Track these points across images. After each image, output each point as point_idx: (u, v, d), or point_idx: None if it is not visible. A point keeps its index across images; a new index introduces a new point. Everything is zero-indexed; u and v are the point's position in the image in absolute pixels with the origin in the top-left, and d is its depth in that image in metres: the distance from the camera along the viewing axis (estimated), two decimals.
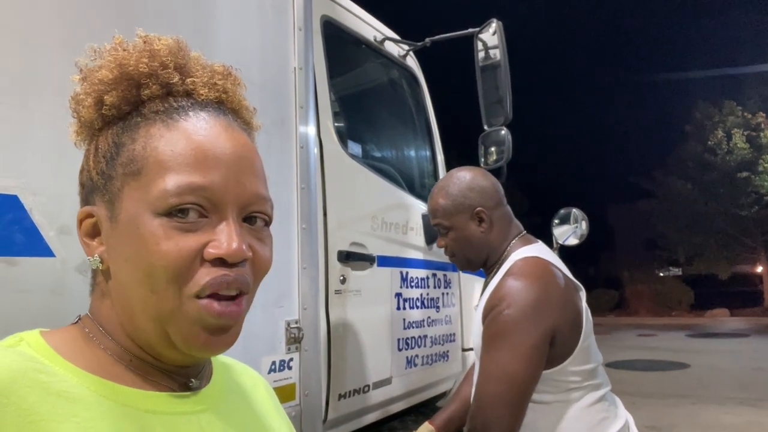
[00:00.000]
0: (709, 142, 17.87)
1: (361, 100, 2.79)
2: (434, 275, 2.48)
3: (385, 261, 2.13)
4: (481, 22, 2.36)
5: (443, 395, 2.70)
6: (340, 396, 1.84)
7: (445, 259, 1.61)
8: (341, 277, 1.89)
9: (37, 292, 0.94)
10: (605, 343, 9.34)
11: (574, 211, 2.97)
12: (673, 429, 4.50)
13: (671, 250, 21.17)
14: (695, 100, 19.70)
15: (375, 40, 2.43)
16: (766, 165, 16.62)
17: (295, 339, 1.48)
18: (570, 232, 2.95)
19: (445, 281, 2.58)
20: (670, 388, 6.13)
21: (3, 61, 0.94)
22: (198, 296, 0.52)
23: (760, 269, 20.21)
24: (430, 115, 2.84)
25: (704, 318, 16.98)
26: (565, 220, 2.99)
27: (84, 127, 0.58)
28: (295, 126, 1.57)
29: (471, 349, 2.57)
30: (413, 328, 2.27)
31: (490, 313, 1.31)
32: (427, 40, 2.57)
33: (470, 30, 2.39)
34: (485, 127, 2.37)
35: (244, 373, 0.73)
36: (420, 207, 2.42)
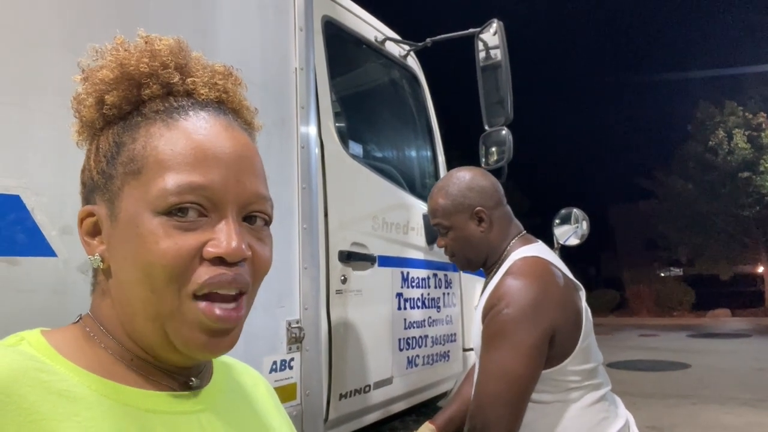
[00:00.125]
0: (710, 142, 17.85)
1: (362, 100, 2.79)
2: (435, 275, 2.48)
3: (386, 261, 2.13)
4: (482, 22, 2.36)
5: (444, 395, 2.70)
6: (341, 396, 1.84)
7: (446, 259, 1.61)
8: (342, 277, 1.89)
9: (39, 292, 0.94)
10: (606, 344, 9.35)
11: (575, 211, 2.98)
12: (674, 429, 4.50)
13: (672, 250, 21.17)
14: (696, 100, 19.71)
15: (376, 40, 2.43)
16: (767, 165, 16.61)
17: (296, 339, 1.48)
18: (571, 232, 2.96)
19: (446, 281, 2.58)
20: (671, 389, 6.13)
21: (4, 61, 0.94)
22: (196, 295, 0.52)
23: (761, 269, 20.18)
24: (431, 115, 2.84)
25: (705, 318, 16.96)
26: (566, 220, 2.99)
27: (85, 126, 0.58)
28: (296, 126, 1.57)
29: (472, 349, 2.57)
30: (414, 328, 2.27)
31: (489, 312, 1.31)
32: (428, 40, 2.57)
33: (471, 30, 2.39)
34: (486, 127, 2.37)
35: (245, 372, 0.73)
36: (421, 207, 2.42)
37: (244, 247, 0.53)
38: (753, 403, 5.27)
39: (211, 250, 0.52)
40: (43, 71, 0.98)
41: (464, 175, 1.52)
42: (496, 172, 2.26)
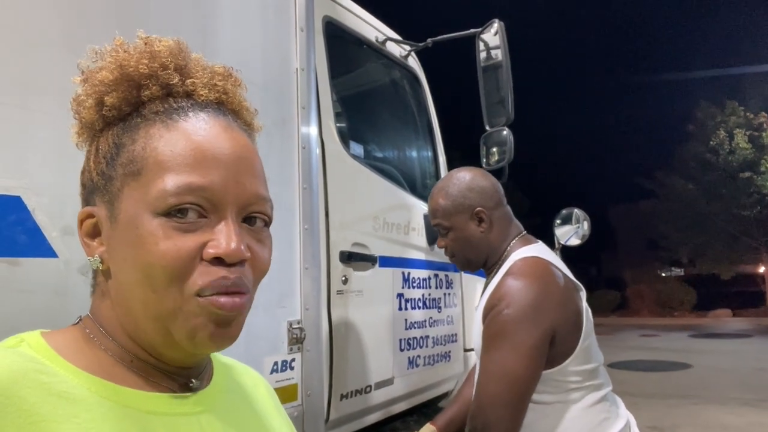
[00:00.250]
0: (711, 142, 17.84)
1: (362, 100, 2.79)
2: (436, 276, 2.48)
3: (387, 261, 2.13)
4: (483, 22, 2.36)
5: (445, 396, 2.70)
6: (342, 396, 1.84)
7: (447, 259, 1.61)
8: (343, 278, 1.89)
9: (40, 293, 0.94)
10: (607, 344, 9.34)
11: (576, 211, 2.98)
12: (676, 429, 4.49)
13: (673, 250, 21.16)
14: (697, 99, 19.71)
15: (377, 40, 2.43)
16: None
17: (297, 339, 1.48)
18: (572, 232, 2.96)
19: (447, 282, 2.58)
20: (673, 389, 6.12)
21: (5, 61, 0.94)
22: (199, 296, 0.52)
23: (762, 269, 20.18)
24: (432, 115, 2.84)
25: (707, 318, 16.96)
26: (566, 221, 2.99)
27: (85, 128, 0.58)
28: (297, 126, 1.57)
29: (473, 350, 2.57)
30: (415, 328, 2.27)
31: (489, 313, 1.31)
32: (429, 40, 2.57)
33: (472, 30, 2.39)
34: (487, 128, 2.37)
35: (245, 373, 0.73)
36: (422, 207, 2.42)
37: (243, 248, 0.53)
38: (754, 403, 5.27)
39: (210, 251, 0.52)
40: (44, 72, 0.98)
41: (464, 175, 1.52)
42: (497, 173, 2.26)
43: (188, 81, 0.58)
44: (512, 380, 1.23)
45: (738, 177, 17.11)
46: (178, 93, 0.57)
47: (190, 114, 0.56)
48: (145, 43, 0.57)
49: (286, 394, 1.44)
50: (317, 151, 1.63)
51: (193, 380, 0.59)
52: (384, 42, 2.47)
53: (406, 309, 2.22)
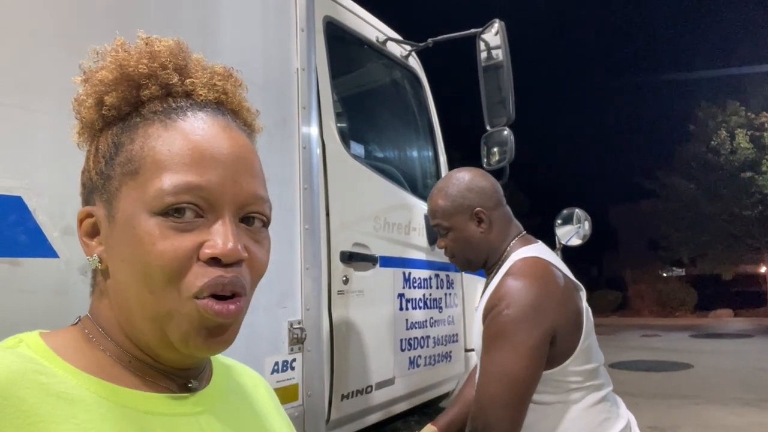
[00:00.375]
0: (713, 142, 17.82)
1: (363, 100, 2.79)
2: (437, 276, 2.48)
3: (388, 261, 2.13)
4: (484, 22, 2.36)
5: (446, 396, 2.70)
6: (343, 396, 1.84)
7: (448, 259, 1.61)
8: (344, 278, 1.89)
9: (41, 293, 0.94)
10: (608, 344, 9.34)
11: (577, 211, 2.97)
12: (677, 430, 4.49)
13: (674, 250, 21.12)
14: (698, 99, 19.69)
15: (377, 40, 2.43)
16: None
17: (297, 339, 1.48)
18: (573, 232, 2.95)
19: (448, 282, 2.58)
20: (674, 389, 6.12)
21: (6, 61, 0.94)
22: (197, 297, 0.52)
23: (763, 269, 20.16)
24: (433, 115, 2.84)
25: (708, 318, 16.95)
26: (567, 221, 2.99)
27: (85, 127, 0.58)
28: (298, 126, 1.57)
29: (473, 350, 2.57)
30: (416, 328, 2.27)
31: (490, 313, 1.31)
32: (430, 40, 2.57)
33: (472, 30, 2.39)
34: (487, 128, 2.37)
35: (245, 373, 0.73)
36: (422, 207, 2.42)
37: (240, 248, 0.53)
38: (755, 403, 5.27)
39: (207, 251, 0.52)
40: (44, 72, 0.98)
41: (463, 175, 1.52)
42: (498, 173, 2.26)
43: (187, 81, 0.57)
44: (512, 381, 1.23)
45: (739, 177, 17.08)
46: (178, 93, 0.57)
47: (189, 114, 0.56)
48: (146, 43, 0.57)
49: (286, 395, 1.44)
50: (318, 151, 1.63)
51: (192, 381, 0.59)
52: (384, 42, 2.47)
53: (407, 309, 2.22)
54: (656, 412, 4.98)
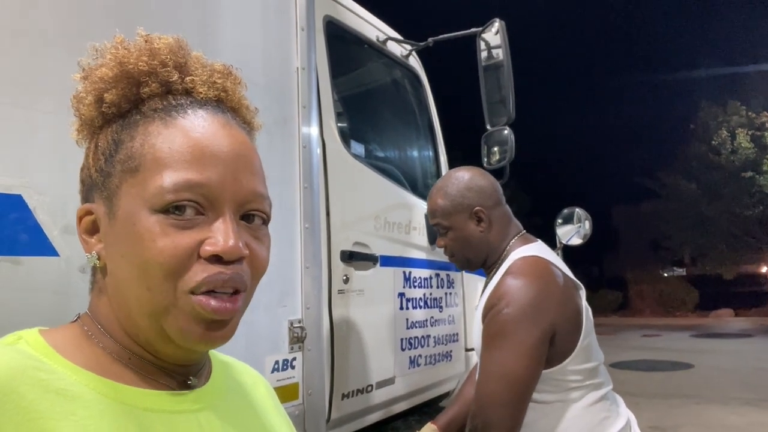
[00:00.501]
0: (713, 142, 17.78)
1: (363, 99, 2.79)
2: (437, 275, 2.48)
3: (388, 261, 2.13)
4: (484, 21, 2.36)
5: (446, 395, 2.70)
6: (343, 395, 1.84)
7: (448, 258, 1.61)
8: (344, 277, 1.89)
9: (41, 292, 0.94)
10: (609, 344, 9.34)
11: (578, 210, 2.98)
12: (677, 429, 4.49)
13: (675, 250, 21.11)
14: (699, 99, 19.65)
15: (377, 40, 2.43)
16: None
17: (298, 338, 1.48)
18: (573, 231, 2.96)
19: (448, 281, 2.58)
20: (675, 389, 6.12)
21: (6, 60, 0.94)
22: (193, 293, 0.52)
23: (764, 269, 20.15)
24: (433, 114, 2.84)
25: (709, 318, 16.93)
26: (568, 220, 2.99)
27: (85, 125, 0.58)
28: (298, 126, 1.57)
29: (473, 349, 2.57)
30: (416, 327, 2.27)
31: (489, 312, 1.31)
32: (430, 40, 2.57)
33: (473, 30, 2.39)
34: (488, 127, 2.37)
35: (244, 371, 0.73)
36: (423, 207, 2.42)
37: (241, 245, 0.53)
38: (756, 403, 5.26)
39: (208, 248, 0.52)
40: (44, 72, 0.98)
41: (463, 175, 1.52)
42: (498, 172, 2.26)
43: (187, 78, 0.58)
44: (512, 380, 1.23)
45: (740, 177, 17.05)
46: (178, 90, 0.57)
47: (189, 111, 0.56)
48: (145, 41, 0.57)
49: (287, 393, 1.44)
50: (318, 150, 1.63)
51: (192, 378, 0.59)
52: (385, 41, 2.47)
53: (407, 308, 2.22)
54: (657, 412, 4.98)
